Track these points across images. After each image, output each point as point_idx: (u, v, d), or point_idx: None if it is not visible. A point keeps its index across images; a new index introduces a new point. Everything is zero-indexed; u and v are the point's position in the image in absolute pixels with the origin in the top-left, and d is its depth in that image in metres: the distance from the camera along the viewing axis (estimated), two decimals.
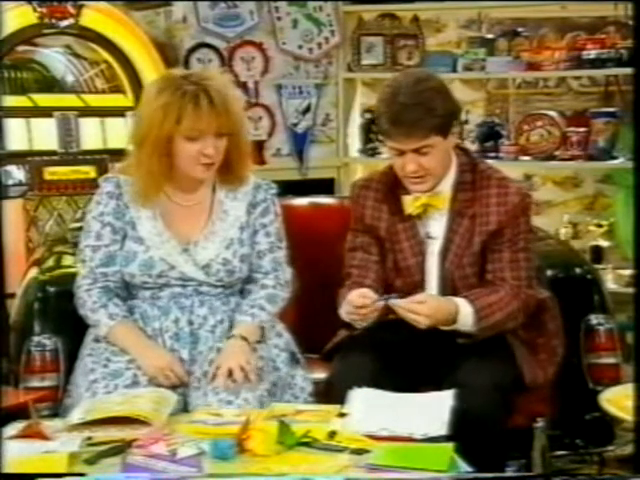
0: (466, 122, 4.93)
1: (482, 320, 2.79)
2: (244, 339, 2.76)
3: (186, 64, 4.79)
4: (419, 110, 2.76)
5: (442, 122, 2.80)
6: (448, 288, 2.90)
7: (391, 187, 2.95)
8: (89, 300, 2.83)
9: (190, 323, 2.82)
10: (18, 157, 4.33)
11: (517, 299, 2.86)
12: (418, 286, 2.91)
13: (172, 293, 2.83)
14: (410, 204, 2.90)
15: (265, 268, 2.89)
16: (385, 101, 2.82)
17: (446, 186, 2.91)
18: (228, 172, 2.86)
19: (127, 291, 2.88)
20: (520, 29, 5.04)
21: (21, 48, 4.54)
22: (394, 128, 2.79)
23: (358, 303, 2.73)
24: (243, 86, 4.94)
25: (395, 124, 2.78)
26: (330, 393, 2.76)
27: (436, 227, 2.92)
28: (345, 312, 2.82)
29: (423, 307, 2.72)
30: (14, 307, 3.18)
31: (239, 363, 2.67)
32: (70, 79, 4.74)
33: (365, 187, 3.01)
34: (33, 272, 3.24)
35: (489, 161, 4.02)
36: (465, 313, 2.79)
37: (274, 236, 2.91)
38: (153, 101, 2.76)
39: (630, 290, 4.26)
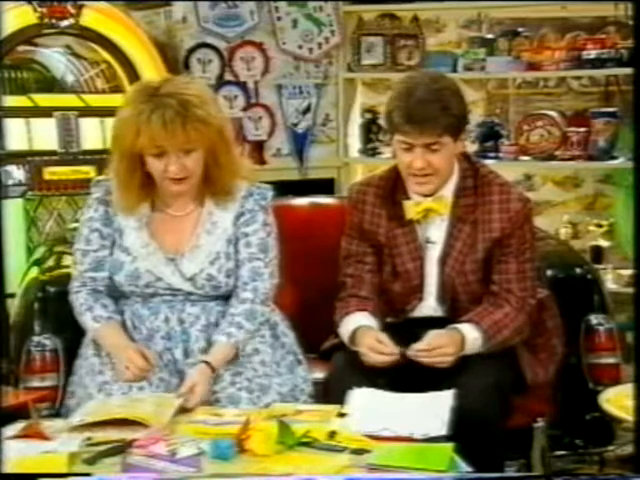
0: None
1: (490, 340, 2.79)
2: (211, 368, 2.67)
3: (186, 64, 4.79)
4: (435, 107, 2.74)
5: (456, 123, 2.78)
6: (447, 293, 2.89)
7: (390, 191, 2.93)
8: (76, 303, 2.82)
9: (181, 322, 2.78)
10: (18, 157, 4.32)
11: (522, 313, 2.85)
12: (416, 291, 2.91)
13: (162, 300, 2.80)
14: (411, 209, 2.88)
15: (243, 278, 2.80)
16: (400, 96, 2.79)
17: (448, 191, 2.88)
18: (212, 185, 2.78)
19: (119, 292, 2.85)
20: (520, 29, 5.04)
21: (21, 48, 4.54)
22: (408, 123, 2.74)
23: (377, 350, 2.74)
24: (243, 86, 4.95)
25: (409, 119, 2.74)
26: (328, 393, 2.76)
27: (436, 232, 2.90)
28: (354, 346, 2.81)
29: (446, 350, 2.72)
30: (14, 307, 3.18)
31: (196, 400, 2.59)
32: (70, 79, 4.74)
33: (363, 192, 2.97)
34: (33, 272, 3.25)
35: (489, 161, 4.04)
36: (472, 338, 2.78)
37: (255, 247, 2.80)
38: (120, 113, 2.71)
39: (630, 290, 4.26)
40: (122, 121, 2.69)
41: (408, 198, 2.89)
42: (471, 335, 2.78)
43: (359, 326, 2.82)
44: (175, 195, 2.78)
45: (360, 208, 2.96)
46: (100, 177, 2.94)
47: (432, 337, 2.75)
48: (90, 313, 2.79)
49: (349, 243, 2.97)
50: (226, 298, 2.82)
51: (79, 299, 2.82)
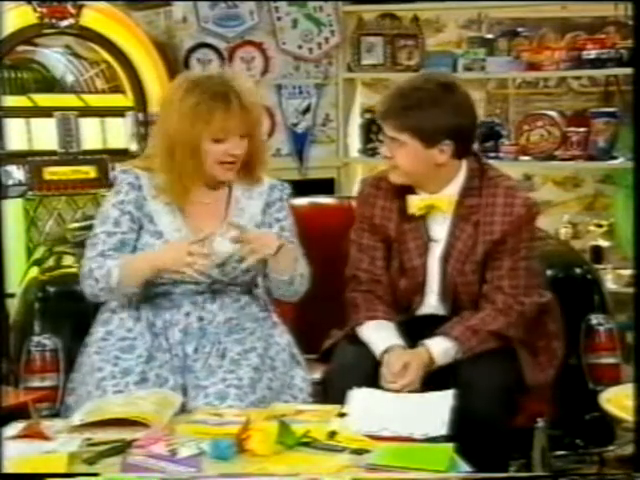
0: None
1: (464, 344, 2.76)
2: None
3: (186, 64, 4.79)
4: (404, 104, 2.79)
5: (420, 127, 2.78)
6: (449, 292, 2.89)
7: (400, 187, 2.92)
8: (95, 268, 2.75)
9: (200, 319, 2.82)
10: (18, 157, 4.34)
11: (508, 313, 2.82)
12: (420, 288, 2.91)
13: (184, 290, 2.83)
14: (413, 204, 2.88)
15: None
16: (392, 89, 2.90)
17: (453, 190, 2.88)
18: (246, 172, 2.87)
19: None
20: (520, 29, 5.04)
21: (21, 48, 4.55)
22: (380, 110, 2.86)
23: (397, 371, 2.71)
24: None
25: (381, 106, 2.86)
26: (328, 393, 2.76)
27: (439, 230, 2.90)
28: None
29: (403, 381, 2.70)
30: (14, 307, 3.19)
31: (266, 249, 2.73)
32: (70, 79, 4.75)
33: (375, 186, 2.98)
34: (33, 272, 3.25)
35: (489, 161, 4.03)
36: (442, 350, 2.76)
37: (288, 231, 2.91)
38: (181, 102, 2.76)
39: (630, 290, 4.26)
40: (187, 111, 2.73)
41: (415, 193, 2.90)
42: (440, 347, 2.76)
43: (392, 345, 2.78)
44: (219, 181, 2.85)
45: (371, 202, 2.96)
46: (124, 166, 2.95)
47: (386, 376, 2.72)
48: (107, 260, 2.75)
49: (360, 237, 2.97)
50: (244, 292, 2.88)
51: (94, 263, 2.75)
